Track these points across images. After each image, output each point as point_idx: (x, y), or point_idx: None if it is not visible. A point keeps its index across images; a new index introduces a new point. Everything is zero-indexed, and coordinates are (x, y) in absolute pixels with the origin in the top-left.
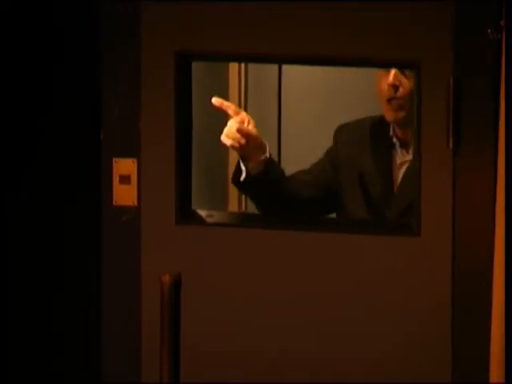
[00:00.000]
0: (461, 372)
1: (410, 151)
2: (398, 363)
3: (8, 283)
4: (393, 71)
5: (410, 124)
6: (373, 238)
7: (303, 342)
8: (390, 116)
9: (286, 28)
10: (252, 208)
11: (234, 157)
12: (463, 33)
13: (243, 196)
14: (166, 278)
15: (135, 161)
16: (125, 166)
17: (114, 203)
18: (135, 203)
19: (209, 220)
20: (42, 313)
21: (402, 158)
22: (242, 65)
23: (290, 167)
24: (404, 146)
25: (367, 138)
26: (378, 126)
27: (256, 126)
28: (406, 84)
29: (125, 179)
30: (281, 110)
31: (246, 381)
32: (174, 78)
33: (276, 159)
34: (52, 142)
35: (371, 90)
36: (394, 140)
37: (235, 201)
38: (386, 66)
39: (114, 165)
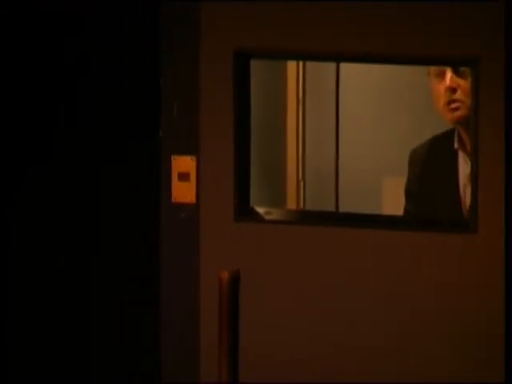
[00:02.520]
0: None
1: None
2: (455, 358)
3: (70, 278)
4: (449, 74)
5: (472, 125)
6: (433, 234)
7: (357, 334)
8: (450, 118)
9: (343, 27)
10: (310, 205)
11: (292, 154)
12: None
13: (301, 193)
14: (225, 275)
15: (194, 158)
16: (183, 163)
17: (172, 200)
18: (193, 200)
19: (267, 217)
20: (102, 309)
21: (468, 169)
22: (301, 63)
23: (347, 165)
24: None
25: (433, 157)
26: (442, 142)
27: (313, 124)
28: (463, 84)
29: (183, 176)
30: (338, 109)
31: (304, 372)
32: (233, 76)
33: (334, 157)
34: (113, 140)
35: (428, 89)
36: (460, 152)
37: (294, 198)
38: (445, 64)
39: (173, 162)
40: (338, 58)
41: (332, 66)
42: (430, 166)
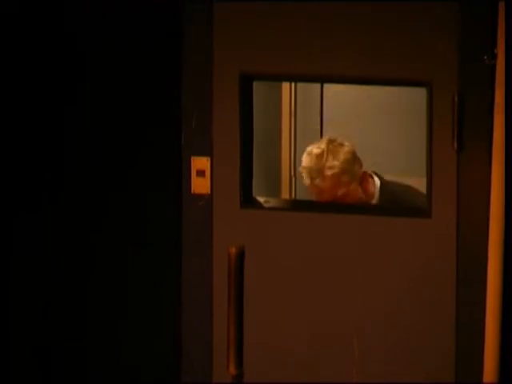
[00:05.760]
0: (465, 336)
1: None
2: (406, 323)
3: (103, 258)
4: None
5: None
6: (396, 219)
7: (347, 307)
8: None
9: (325, 55)
10: (301, 195)
11: (285, 155)
12: (465, 59)
13: (293, 186)
14: (233, 250)
15: (208, 159)
16: (200, 162)
17: (192, 192)
18: (208, 192)
19: (266, 205)
20: (132, 281)
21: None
22: (293, 83)
23: None
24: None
25: None
26: None
27: (303, 131)
28: (346, 198)
29: (200, 173)
30: (322, 119)
31: (300, 347)
32: (239, 94)
33: None
34: (144, 146)
35: (411, 107)
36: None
37: (287, 190)
38: (405, 84)
39: (192, 162)
40: (322, 79)
41: (317, 85)
42: None
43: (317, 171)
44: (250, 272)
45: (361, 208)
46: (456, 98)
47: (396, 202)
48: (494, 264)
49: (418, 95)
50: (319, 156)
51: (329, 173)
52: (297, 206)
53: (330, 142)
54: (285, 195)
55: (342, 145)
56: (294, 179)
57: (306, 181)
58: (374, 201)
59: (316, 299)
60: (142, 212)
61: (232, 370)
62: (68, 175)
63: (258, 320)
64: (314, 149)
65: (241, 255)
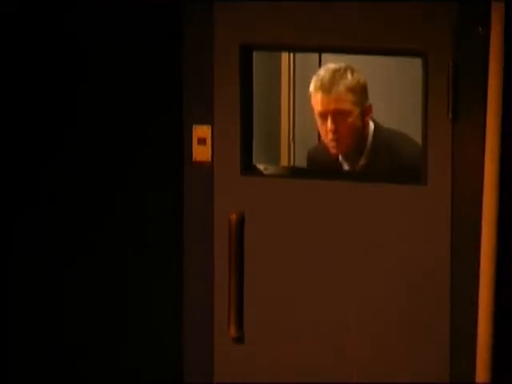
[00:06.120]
0: (459, 298)
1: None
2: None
3: (110, 226)
4: (329, 119)
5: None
6: (392, 186)
7: (334, 273)
8: (332, 153)
9: (322, 25)
10: (298, 163)
11: (285, 123)
12: (460, 29)
13: (292, 154)
14: (233, 216)
15: (210, 127)
16: (202, 131)
17: (193, 160)
18: (209, 159)
19: (265, 172)
20: (132, 247)
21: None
22: (291, 53)
23: None
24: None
25: (320, 161)
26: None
27: (301, 100)
28: (343, 126)
29: (202, 141)
30: None
31: (296, 307)
32: (239, 64)
33: (316, 137)
34: (147, 115)
35: (404, 78)
36: (343, 163)
37: (286, 157)
38: (401, 54)
39: (194, 130)
40: (320, 49)
41: (315, 55)
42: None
43: (329, 81)
44: (250, 237)
45: (358, 175)
46: (451, 69)
47: (389, 148)
48: (488, 230)
49: (414, 66)
50: (337, 70)
51: (341, 86)
52: (296, 173)
53: (349, 66)
54: (284, 163)
55: (359, 73)
56: (293, 147)
57: (315, 96)
58: (368, 144)
59: (313, 263)
60: (145, 180)
61: (232, 332)
62: (69, 151)
63: (257, 284)
64: (333, 64)
65: (241, 221)
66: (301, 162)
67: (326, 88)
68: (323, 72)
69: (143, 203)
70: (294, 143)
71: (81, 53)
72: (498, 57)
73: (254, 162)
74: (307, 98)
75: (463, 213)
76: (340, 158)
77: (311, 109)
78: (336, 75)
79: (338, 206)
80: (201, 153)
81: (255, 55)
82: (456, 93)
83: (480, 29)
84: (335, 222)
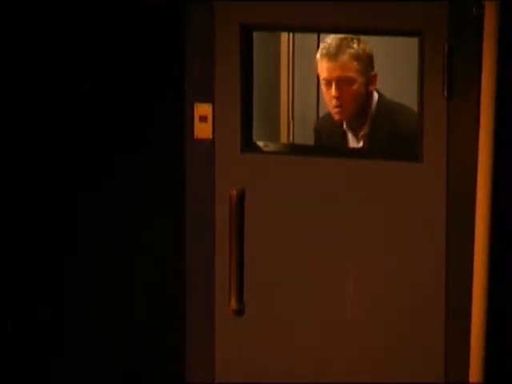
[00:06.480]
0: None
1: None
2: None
3: (114, 199)
4: (333, 85)
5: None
6: (389, 163)
7: (331, 247)
8: (336, 119)
9: (321, 5)
10: (297, 140)
11: (284, 101)
12: (455, 10)
13: (291, 131)
14: (234, 193)
15: (211, 105)
16: (203, 109)
17: (194, 137)
18: (210, 137)
19: (265, 149)
20: (134, 222)
21: (356, 145)
22: (291, 34)
23: (325, 109)
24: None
25: (327, 130)
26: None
27: (300, 79)
28: (346, 93)
29: (203, 119)
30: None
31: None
32: (240, 44)
33: (315, 103)
34: (149, 93)
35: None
36: (348, 132)
37: (285, 135)
38: (398, 34)
39: (195, 108)
40: (318, 29)
41: (314, 35)
42: (323, 138)
43: (335, 48)
44: (250, 212)
45: (356, 152)
46: (446, 48)
47: (391, 118)
48: (482, 205)
49: (410, 45)
50: (343, 39)
51: (346, 54)
52: (295, 150)
53: (356, 36)
54: (283, 140)
55: (365, 43)
56: (292, 125)
57: (321, 63)
58: (371, 113)
59: (311, 236)
60: (148, 156)
61: (233, 305)
62: (74, 136)
63: (257, 259)
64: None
65: (241, 197)
66: (300, 139)
67: (332, 55)
68: (330, 40)
69: (147, 178)
70: (293, 121)
71: (83, 35)
72: (492, 37)
73: (254, 139)
74: (305, 77)
75: (458, 188)
76: (344, 126)
77: (317, 76)
78: (342, 43)
79: (336, 182)
80: (202, 130)
81: (255, 35)
82: (451, 72)
83: (474, 10)
84: (333, 198)
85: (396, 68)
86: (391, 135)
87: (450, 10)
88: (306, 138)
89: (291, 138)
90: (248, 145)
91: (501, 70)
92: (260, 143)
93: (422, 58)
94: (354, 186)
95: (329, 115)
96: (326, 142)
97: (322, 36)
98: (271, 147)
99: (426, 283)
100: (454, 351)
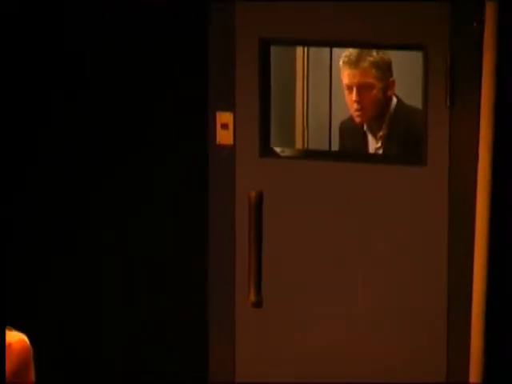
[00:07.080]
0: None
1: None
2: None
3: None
4: (355, 90)
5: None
6: (396, 167)
7: (346, 246)
8: (357, 121)
9: (334, 21)
10: (312, 145)
11: (299, 110)
12: (457, 24)
13: (306, 137)
14: (252, 194)
15: (232, 113)
16: (224, 117)
17: (217, 143)
18: (231, 143)
19: (282, 154)
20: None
21: (375, 145)
22: (305, 47)
23: (337, 117)
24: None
25: (348, 131)
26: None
27: (314, 89)
28: (367, 98)
29: (224, 126)
30: (331, 78)
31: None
32: (258, 57)
33: (328, 112)
34: (177, 103)
35: (410, 71)
36: (368, 134)
37: (300, 141)
38: (403, 48)
39: (218, 116)
40: (330, 44)
41: (327, 49)
42: (346, 138)
43: (356, 56)
44: (268, 212)
45: (367, 157)
46: (448, 60)
47: (408, 122)
48: (481, 207)
49: (414, 58)
50: (363, 50)
51: (366, 62)
52: (309, 155)
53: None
54: (298, 145)
55: (384, 51)
56: (306, 131)
57: (343, 70)
58: (389, 116)
59: (323, 236)
60: (174, 161)
61: (252, 297)
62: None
63: (274, 255)
64: None
65: (259, 199)
66: (313, 144)
67: (353, 63)
68: (352, 48)
69: (173, 181)
70: (307, 128)
71: (96, 47)
72: (491, 50)
73: (272, 145)
74: (319, 87)
75: (459, 190)
76: (365, 127)
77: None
78: (363, 52)
79: (347, 185)
80: (224, 137)
81: (272, 49)
82: (453, 82)
83: (475, 24)
84: (345, 200)
85: (400, 81)
86: (407, 137)
87: (452, 25)
88: (320, 143)
89: (306, 144)
90: (266, 150)
91: (499, 80)
92: (277, 149)
93: (426, 70)
94: (362, 189)
95: (351, 118)
96: (349, 141)
97: (334, 50)
98: (287, 152)
99: (428, 284)
100: (455, 351)
